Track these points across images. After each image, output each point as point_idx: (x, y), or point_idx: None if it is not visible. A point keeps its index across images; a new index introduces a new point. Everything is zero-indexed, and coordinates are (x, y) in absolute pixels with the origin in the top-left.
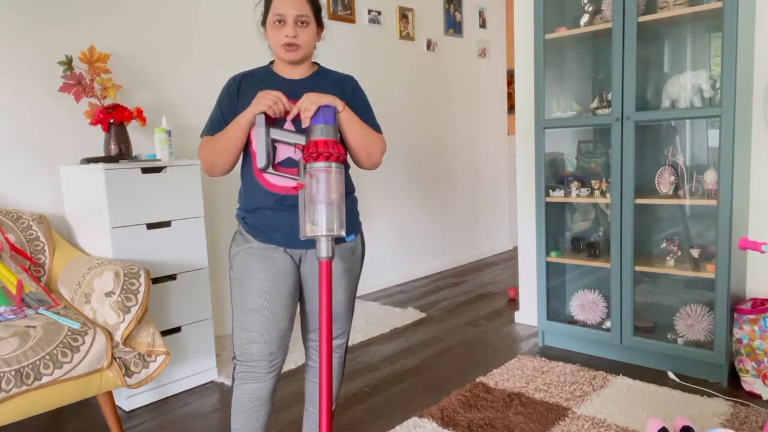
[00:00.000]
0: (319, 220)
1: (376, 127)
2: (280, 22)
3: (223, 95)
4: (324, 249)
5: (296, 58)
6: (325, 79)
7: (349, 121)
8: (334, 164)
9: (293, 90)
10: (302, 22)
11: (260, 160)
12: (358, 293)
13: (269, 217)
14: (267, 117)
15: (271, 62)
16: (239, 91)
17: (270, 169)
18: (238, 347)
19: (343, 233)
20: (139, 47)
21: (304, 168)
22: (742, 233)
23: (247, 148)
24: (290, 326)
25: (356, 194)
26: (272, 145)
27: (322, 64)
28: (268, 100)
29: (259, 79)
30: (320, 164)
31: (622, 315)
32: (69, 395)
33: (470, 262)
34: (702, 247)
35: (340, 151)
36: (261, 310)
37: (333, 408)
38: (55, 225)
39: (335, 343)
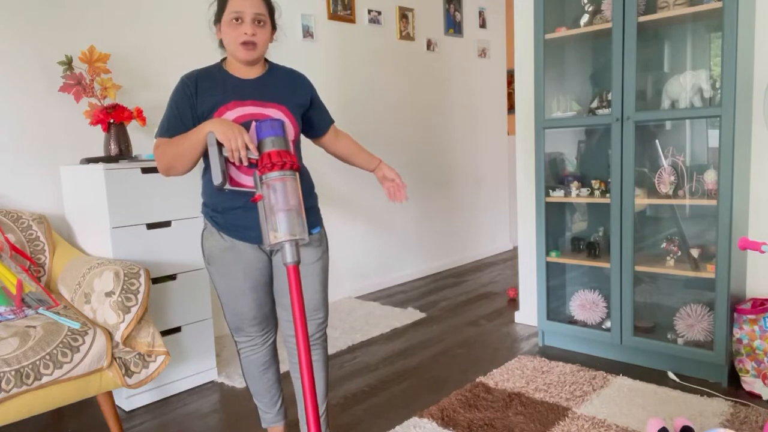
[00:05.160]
0: (281, 227)
1: (331, 118)
2: (237, 20)
3: (179, 96)
4: (289, 254)
5: (252, 57)
6: (277, 77)
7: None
8: (288, 172)
9: (250, 90)
10: (259, 21)
11: (215, 178)
12: (359, 293)
13: (241, 216)
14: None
15: (223, 59)
16: (197, 91)
17: (227, 186)
18: (231, 325)
19: (305, 236)
20: (139, 47)
21: (261, 179)
22: (742, 233)
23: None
24: (274, 305)
25: (354, 193)
26: (226, 162)
27: (282, 61)
28: (232, 143)
29: (215, 78)
30: (275, 174)
31: (622, 315)
32: (69, 395)
33: (470, 262)
34: (702, 247)
35: (293, 159)
36: (244, 303)
37: (325, 403)
38: (55, 225)
39: (318, 334)
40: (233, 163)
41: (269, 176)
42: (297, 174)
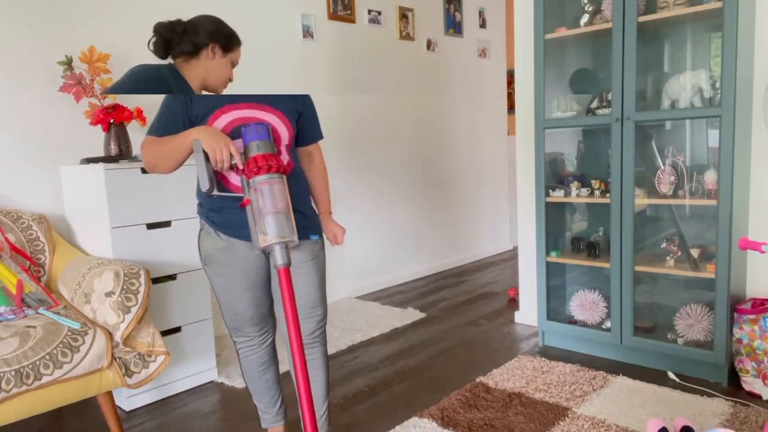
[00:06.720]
0: (270, 230)
1: (320, 134)
2: (233, 65)
3: (173, 97)
4: (279, 257)
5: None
6: None
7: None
8: (275, 175)
9: (245, 93)
10: None
11: (203, 184)
12: (359, 293)
13: (235, 215)
14: None
15: None
16: (191, 96)
17: (215, 191)
18: (230, 325)
19: (295, 238)
20: (139, 47)
21: (248, 183)
22: (742, 233)
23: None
24: (272, 305)
25: (354, 193)
26: (213, 169)
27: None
28: (217, 154)
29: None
30: (262, 177)
31: (622, 315)
32: (69, 395)
33: (470, 262)
34: (702, 247)
35: (279, 162)
36: (242, 302)
37: (326, 402)
38: (55, 225)
39: (318, 332)
40: None
41: (256, 180)
42: (284, 177)
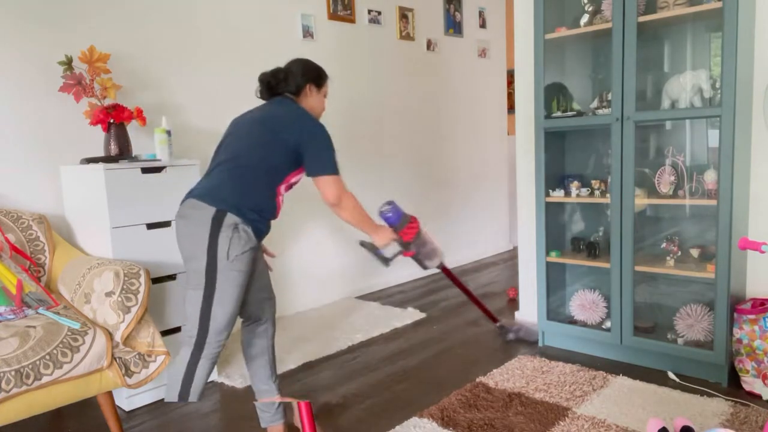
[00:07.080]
0: (438, 255)
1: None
2: (325, 97)
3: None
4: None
5: None
6: None
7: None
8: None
9: None
10: None
11: (384, 264)
12: (359, 293)
13: (270, 226)
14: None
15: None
16: None
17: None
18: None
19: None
20: (139, 47)
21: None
22: (742, 233)
23: (283, 180)
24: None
25: (355, 193)
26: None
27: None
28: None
29: None
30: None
31: (622, 315)
32: (69, 395)
33: (470, 262)
34: (702, 247)
35: (415, 219)
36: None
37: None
38: (55, 225)
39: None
40: (281, 190)
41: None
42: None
